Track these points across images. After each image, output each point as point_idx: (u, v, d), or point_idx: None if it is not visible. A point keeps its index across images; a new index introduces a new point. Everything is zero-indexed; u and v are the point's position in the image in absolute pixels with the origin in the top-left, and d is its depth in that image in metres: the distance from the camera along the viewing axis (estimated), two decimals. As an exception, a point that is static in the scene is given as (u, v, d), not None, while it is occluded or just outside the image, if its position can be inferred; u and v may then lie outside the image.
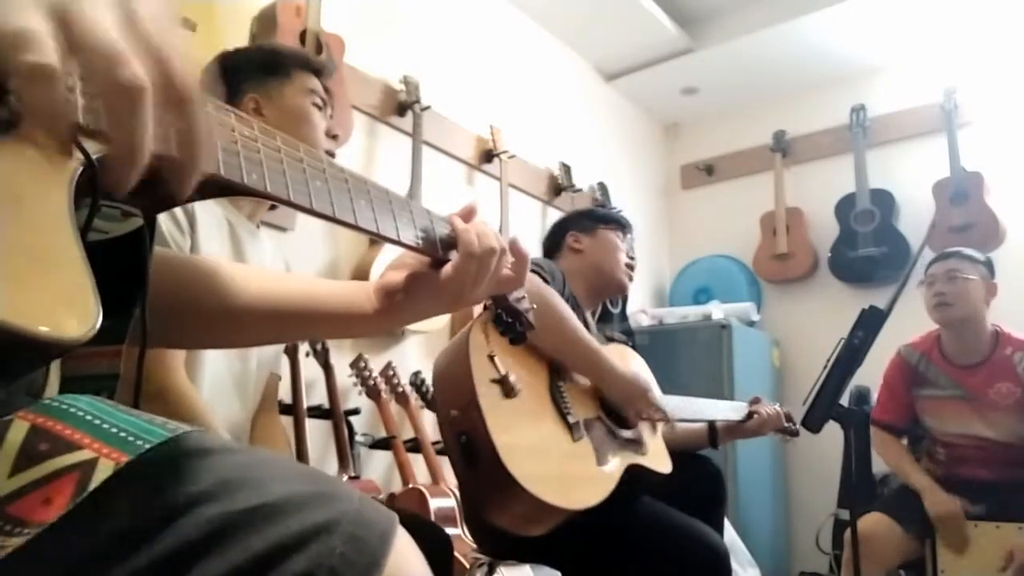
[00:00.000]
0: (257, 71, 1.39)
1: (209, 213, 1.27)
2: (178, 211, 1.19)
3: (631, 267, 2.09)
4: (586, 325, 1.87)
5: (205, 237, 1.23)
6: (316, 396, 2.25)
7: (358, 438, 2.32)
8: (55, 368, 0.56)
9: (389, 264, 0.88)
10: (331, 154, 1.42)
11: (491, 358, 1.49)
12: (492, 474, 1.38)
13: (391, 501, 2.11)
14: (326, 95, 1.43)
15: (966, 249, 2.71)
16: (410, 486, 2.18)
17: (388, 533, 0.49)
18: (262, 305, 0.80)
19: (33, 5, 0.41)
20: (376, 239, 0.74)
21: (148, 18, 0.45)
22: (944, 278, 2.60)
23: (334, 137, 1.43)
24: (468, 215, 0.84)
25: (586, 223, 2.10)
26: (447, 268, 0.80)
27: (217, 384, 1.24)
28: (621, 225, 2.11)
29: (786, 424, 2.29)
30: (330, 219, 0.64)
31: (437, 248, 0.79)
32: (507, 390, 1.47)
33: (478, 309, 1.62)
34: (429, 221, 0.80)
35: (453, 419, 1.45)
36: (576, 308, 1.89)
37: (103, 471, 0.44)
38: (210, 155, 0.51)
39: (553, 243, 2.12)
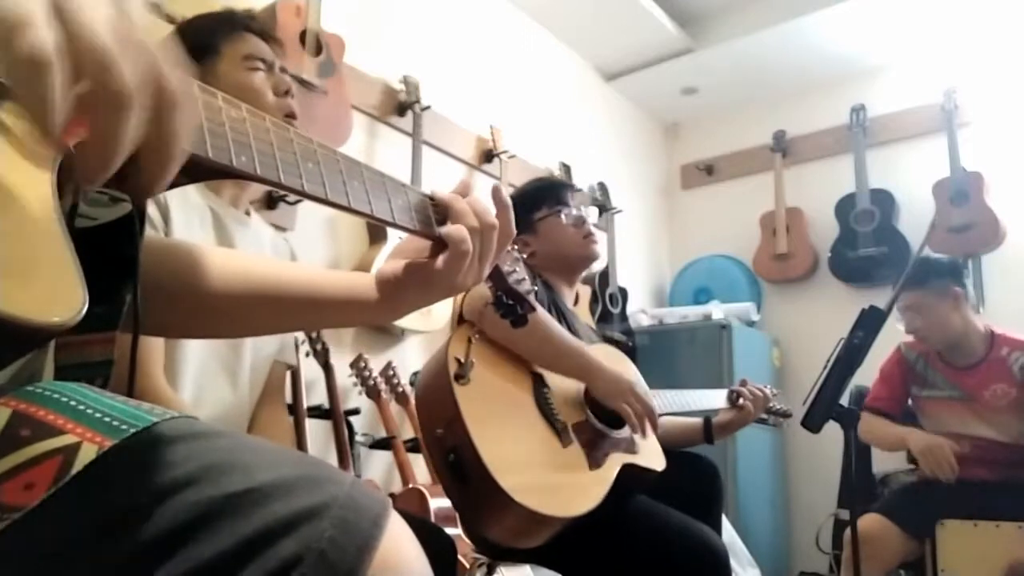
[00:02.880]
0: (190, 61, 1.29)
1: (187, 203, 1.22)
2: (149, 204, 1.15)
3: (587, 233, 1.95)
4: (564, 316, 1.85)
5: (182, 230, 1.18)
6: (316, 396, 2.25)
7: (358, 438, 2.32)
8: (48, 356, 0.56)
9: (390, 254, 0.86)
10: (292, 116, 1.32)
11: (469, 340, 1.48)
12: (483, 490, 1.37)
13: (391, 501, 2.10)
14: (269, 51, 1.34)
15: (922, 265, 2.54)
16: (410, 486, 2.18)
17: (381, 517, 0.49)
18: (253, 289, 0.78)
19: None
20: (373, 223, 0.73)
21: (138, 20, 0.45)
22: (910, 313, 2.57)
23: (287, 93, 1.33)
24: (464, 190, 0.82)
25: (523, 221, 1.88)
26: (442, 258, 0.78)
27: (205, 370, 1.21)
28: (551, 198, 1.97)
29: (774, 407, 2.26)
30: (323, 201, 0.63)
31: (434, 229, 0.78)
32: (459, 374, 1.45)
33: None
34: (425, 202, 0.79)
35: (439, 437, 1.44)
36: (551, 292, 1.87)
37: (86, 455, 0.44)
38: (196, 137, 0.51)
39: None
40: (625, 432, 1.72)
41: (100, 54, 0.42)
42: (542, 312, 1.64)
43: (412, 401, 2.44)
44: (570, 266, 1.99)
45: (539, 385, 1.62)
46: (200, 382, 1.21)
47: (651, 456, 1.75)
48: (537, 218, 1.95)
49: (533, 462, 1.48)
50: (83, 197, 0.47)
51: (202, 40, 1.32)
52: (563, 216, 1.94)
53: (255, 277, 0.79)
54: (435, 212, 0.79)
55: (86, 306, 0.40)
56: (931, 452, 2.47)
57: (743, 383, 2.19)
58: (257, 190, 1.47)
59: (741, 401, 2.12)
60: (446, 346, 1.52)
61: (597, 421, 1.67)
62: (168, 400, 1.09)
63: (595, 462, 1.59)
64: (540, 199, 1.97)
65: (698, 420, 2.12)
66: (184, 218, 1.20)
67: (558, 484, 1.49)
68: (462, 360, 1.47)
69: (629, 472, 1.64)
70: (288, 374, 2.01)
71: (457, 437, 1.40)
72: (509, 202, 0.83)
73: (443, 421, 1.43)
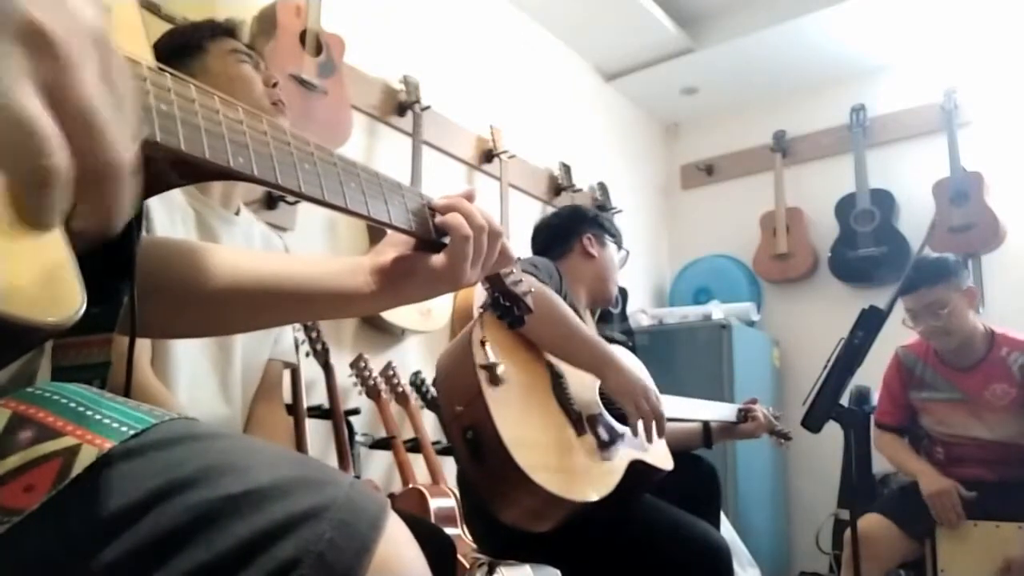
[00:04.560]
0: (176, 58, 1.34)
1: (170, 203, 1.22)
2: None
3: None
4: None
5: (165, 229, 1.18)
6: (316, 396, 2.25)
7: (358, 438, 2.32)
8: (46, 358, 0.56)
9: (382, 241, 0.85)
10: (280, 103, 1.37)
11: (482, 343, 1.49)
12: (499, 467, 1.38)
13: (391, 501, 2.10)
14: (250, 50, 1.40)
15: (931, 263, 2.56)
16: (410, 486, 2.18)
17: (379, 519, 0.49)
18: (250, 285, 0.78)
19: (25, 75, 0.35)
20: (373, 225, 0.73)
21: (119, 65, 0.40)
22: (927, 312, 2.53)
23: (275, 85, 1.39)
24: (469, 196, 0.82)
25: (598, 231, 2.08)
26: (441, 256, 0.78)
27: (197, 378, 1.21)
28: (619, 243, 2.14)
29: (778, 427, 2.30)
30: (319, 202, 0.63)
31: (431, 230, 0.78)
32: (493, 378, 1.46)
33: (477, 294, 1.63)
34: (421, 204, 0.79)
35: (459, 414, 1.45)
36: (574, 309, 1.89)
37: (86, 457, 0.44)
38: (193, 138, 0.51)
39: (561, 239, 2.06)
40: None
41: (94, 130, 0.37)
42: (561, 304, 1.66)
43: (412, 401, 2.44)
44: (600, 294, 2.07)
45: (556, 374, 1.64)
46: (191, 392, 1.20)
47: (660, 456, 1.76)
48: (608, 240, 2.09)
49: (549, 445, 1.50)
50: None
51: (188, 40, 1.38)
52: (620, 256, 2.12)
53: (251, 274, 0.78)
54: (433, 215, 0.79)
55: (84, 306, 0.40)
56: (939, 498, 2.47)
57: (754, 401, 2.26)
58: (250, 189, 1.48)
59: (748, 419, 2.19)
60: (471, 328, 1.54)
61: (610, 416, 1.69)
62: (159, 395, 1.09)
63: (606, 454, 1.61)
64: (615, 233, 2.15)
65: (697, 424, 2.15)
66: (167, 218, 1.20)
67: (572, 469, 1.51)
68: (486, 364, 1.48)
69: (638, 468, 1.65)
70: (288, 373, 2.01)
71: (477, 415, 1.41)
72: (500, 229, 0.84)
73: (464, 399, 1.44)
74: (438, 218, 0.79)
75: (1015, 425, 2.53)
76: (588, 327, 1.98)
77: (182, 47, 1.35)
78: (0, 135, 0.34)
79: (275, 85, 1.38)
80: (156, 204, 1.19)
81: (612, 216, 2.24)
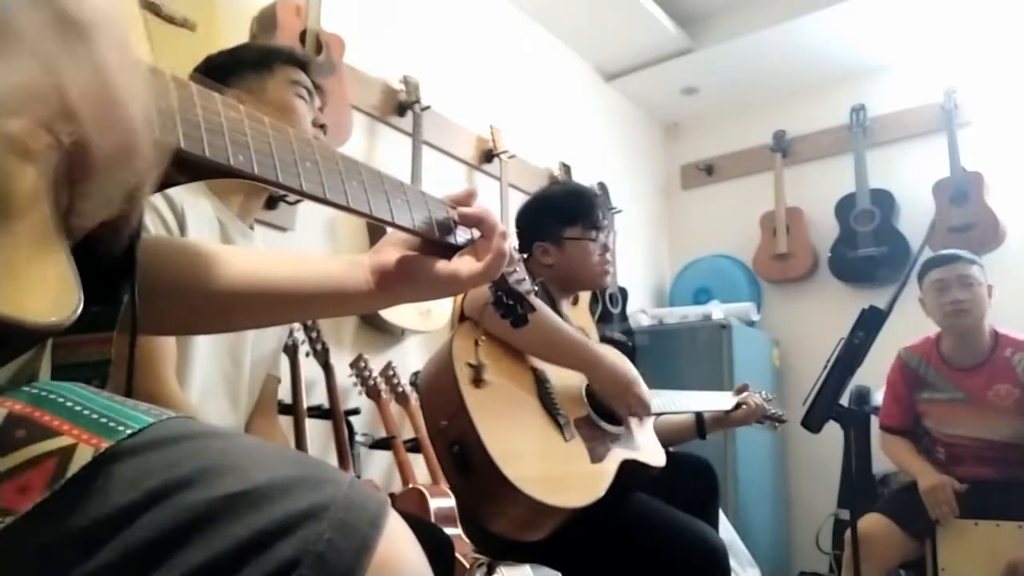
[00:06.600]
0: (239, 69, 1.37)
1: (199, 212, 1.24)
2: (166, 211, 1.15)
3: (607, 263, 1.94)
4: (563, 318, 1.85)
5: (194, 238, 1.18)
6: (316, 396, 2.25)
7: (358, 438, 2.32)
8: (46, 357, 0.55)
9: (383, 240, 0.85)
10: None
11: (476, 343, 1.49)
12: (487, 480, 1.38)
13: (391, 501, 2.10)
14: (313, 87, 1.41)
15: (963, 252, 2.68)
16: (410, 486, 2.18)
17: (379, 518, 0.49)
18: (251, 287, 0.78)
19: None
20: (373, 224, 0.73)
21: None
22: (958, 284, 2.56)
23: (322, 126, 1.41)
24: (468, 199, 0.82)
25: (553, 229, 1.91)
26: (445, 261, 0.78)
27: (208, 387, 1.22)
28: (586, 218, 1.93)
29: (771, 412, 2.28)
30: (321, 200, 0.63)
31: (433, 230, 0.78)
32: (476, 379, 1.46)
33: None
34: (424, 203, 0.78)
35: (443, 429, 1.45)
36: (552, 304, 1.88)
37: (82, 457, 0.44)
38: (193, 136, 0.50)
39: (520, 248, 1.94)
40: (625, 428, 1.73)
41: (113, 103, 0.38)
42: (543, 307, 1.65)
43: (412, 401, 2.44)
44: (577, 286, 2.00)
45: (541, 380, 1.63)
46: (203, 395, 1.21)
47: (651, 453, 1.76)
48: (567, 236, 1.91)
49: (537, 454, 1.50)
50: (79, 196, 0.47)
51: (261, 56, 1.39)
52: (592, 244, 1.91)
53: (249, 274, 0.78)
54: (435, 214, 0.79)
55: (81, 306, 0.40)
56: (933, 492, 2.48)
57: (745, 387, 2.24)
58: (263, 201, 1.50)
59: (743, 407, 2.17)
60: (451, 341, 1.53)
61: (598, 417, 1.68)
62: (181, 405, 1.09)
63: (596, 456, 1.60)
64: (576, 214, 1.93)
65: (689, 416, 2.14)
66: (196, 227, 1.22)
67: (561, 476, 1.50)
68: (474, 363, 1.47)
69: (629, 467, 1.65)
70: (288, 373, 2.03)
71: (462, 429, 1.41)
72: (503, 228, 0.83)
73: (448, 413, 1.44)
74: (465, 239, 0.79)
75: (1018, 425, 2.53)
76: (574, 318, 1.96)
77: (252, 62, 1.37)
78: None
79: (322, 127, 1.40)
80: (190, 214, 1.20)
81: (604, 212, 2.00)
